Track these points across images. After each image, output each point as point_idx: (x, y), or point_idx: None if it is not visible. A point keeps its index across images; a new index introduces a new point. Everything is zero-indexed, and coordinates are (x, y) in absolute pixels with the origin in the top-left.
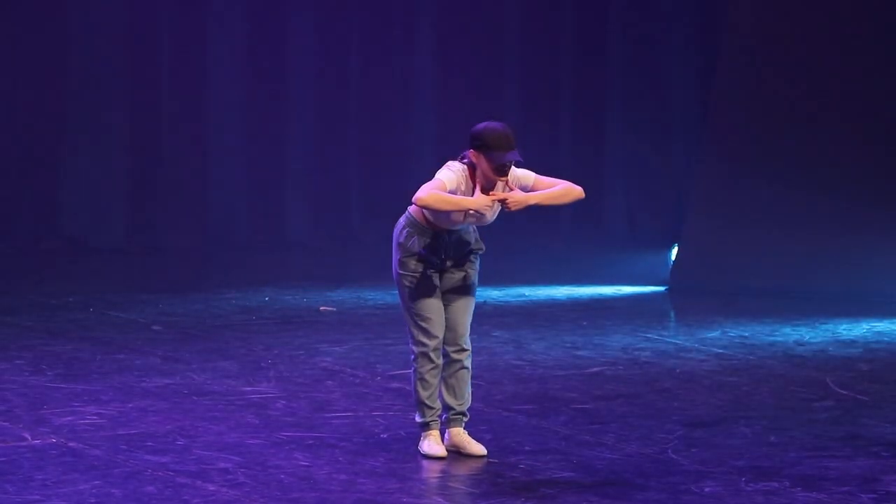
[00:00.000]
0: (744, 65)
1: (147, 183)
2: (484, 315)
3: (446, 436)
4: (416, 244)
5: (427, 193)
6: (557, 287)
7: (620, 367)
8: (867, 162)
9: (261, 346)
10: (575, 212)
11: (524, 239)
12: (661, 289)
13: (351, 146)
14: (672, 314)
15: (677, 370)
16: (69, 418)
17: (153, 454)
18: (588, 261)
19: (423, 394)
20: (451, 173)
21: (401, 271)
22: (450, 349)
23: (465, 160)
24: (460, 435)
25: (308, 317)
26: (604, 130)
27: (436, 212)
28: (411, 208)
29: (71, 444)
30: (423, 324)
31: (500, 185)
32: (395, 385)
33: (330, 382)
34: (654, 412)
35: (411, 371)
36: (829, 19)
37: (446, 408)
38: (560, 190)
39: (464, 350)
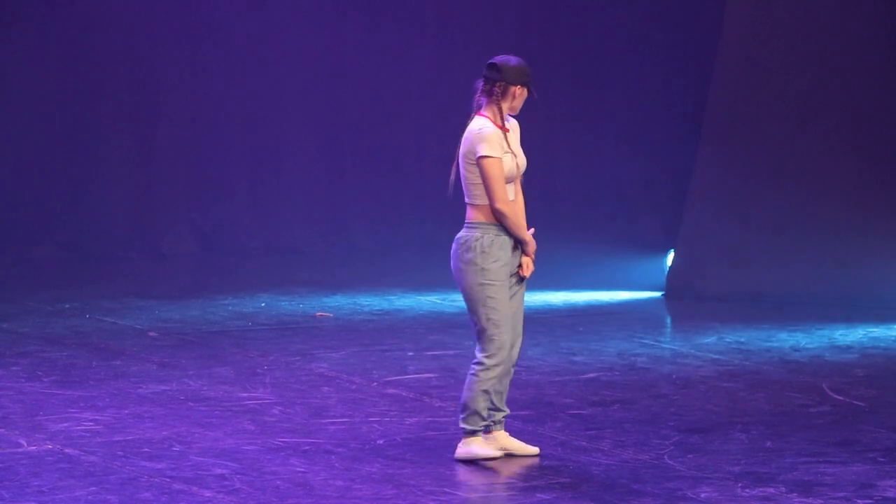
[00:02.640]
0: (740, 69)
1: (144, 188)
2: None
3: (490, 440)
4: (496, 248)
5: (499, 201)
6: (553, 292)
7: (617, 373)
8: (865, 167)
9: (257, 352)
10: (571, 216)
11: None
12: (658, 294)
13: (350, 151)
14: (668, 320)
15: (673, 376)
16: (65, 424)
17: (149, 460)
18: (584, 266)
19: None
20: (493, 136)
21: (484, 281)
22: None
23: (482, 105)
24: (509, 437)
25: (304, 323)
26: (599, 134)
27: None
28: (473, 215)
29: (67, 450)
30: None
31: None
32: (391, 391)
33: (326, 388)
34: (651, 418)
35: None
36: (829, 19)
37: (496, 411)
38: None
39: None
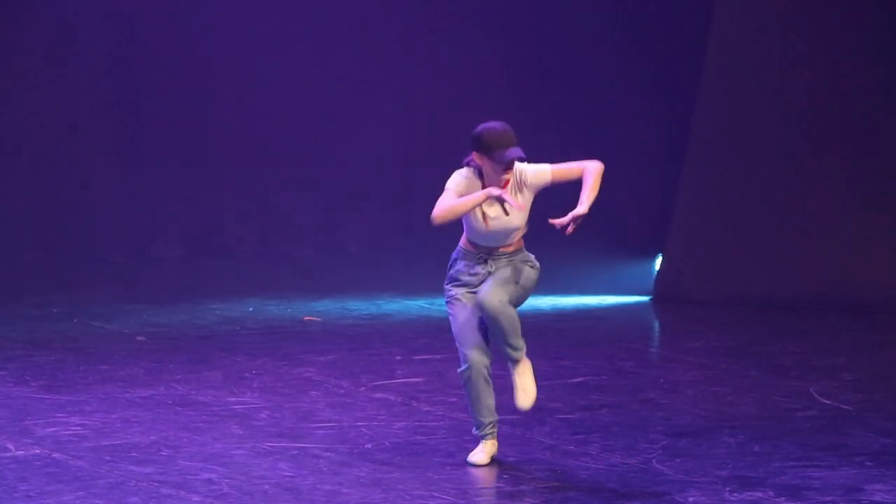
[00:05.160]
0: (728, 74)
1: (132, 191)
2: None
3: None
4: (461, 268)
5: (436, 211)
6: (542, 297)
7: (604, 377)
8: (853, 171)
9: (245, 357)
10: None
11: None
12: (646, 299)
13: (340, 155)
14: (656, 324)
15: (661, 380)
16: (53, 429)
17: (137, 465)
18: (572, 270)
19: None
20: (458, 176)
21: (446, 298)
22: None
23: (472, 164)
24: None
25: (292, 327)
26: (587, 137)
27: (455, 221)
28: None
29: (55, 455)
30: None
31: (510, 182)
32: (379, 395)
33: (314, 392)
34: (638, 422)
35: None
36: (819, 24)
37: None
38: (593, 181)
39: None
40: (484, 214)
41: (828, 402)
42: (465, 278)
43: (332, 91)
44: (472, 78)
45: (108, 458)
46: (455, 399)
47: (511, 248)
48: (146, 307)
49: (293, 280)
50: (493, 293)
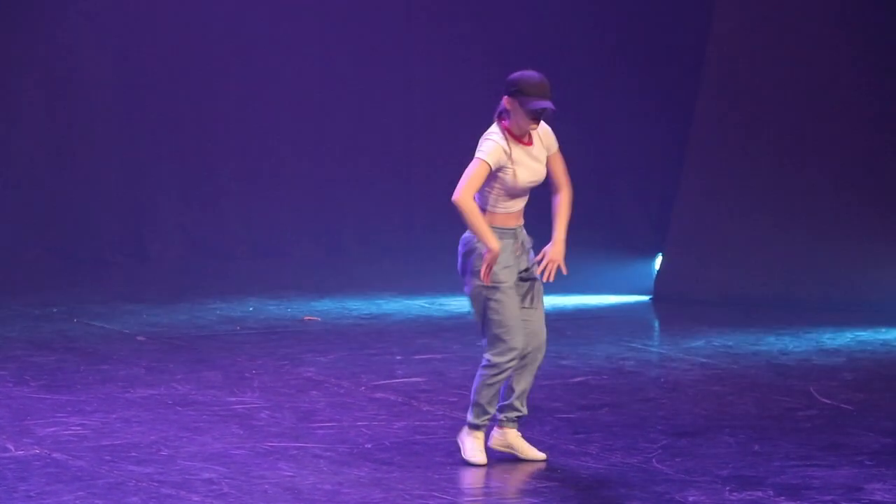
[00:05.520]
0: (728, 75)
1: (132, 191)
2: (468, 325)
3: (498, 436)
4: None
5: (461, 194)
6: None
7: (605, 377)
8: (850, 172)
9: (245, 357)
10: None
11: None
12: (646, 298)
13: (340, 155)
14: (657, 323)
15: (661, 380)
16: (53, 429)
17: (137, 465)
18: (572, 270)
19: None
20: (492, 142)
21: (489, 283)
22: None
23: (503, 115)
24: (519, 438)
25: (292, 327)
26: (588, 137)
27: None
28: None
29: (55, 454)
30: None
31: (533, 135)
32: (379, 395)
33: (314, 392)
34: (639, 421)
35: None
36: (818, 25)
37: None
38: (567, 209)
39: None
40: (514, 171)
41: (828, 401)
42: (511, 262)
43: (332, 90)
44: (470, 76)
45: (108, 457)
46: (455, 399)
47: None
48: (146, 307)
49: (293, 279)
50: (545, 332)
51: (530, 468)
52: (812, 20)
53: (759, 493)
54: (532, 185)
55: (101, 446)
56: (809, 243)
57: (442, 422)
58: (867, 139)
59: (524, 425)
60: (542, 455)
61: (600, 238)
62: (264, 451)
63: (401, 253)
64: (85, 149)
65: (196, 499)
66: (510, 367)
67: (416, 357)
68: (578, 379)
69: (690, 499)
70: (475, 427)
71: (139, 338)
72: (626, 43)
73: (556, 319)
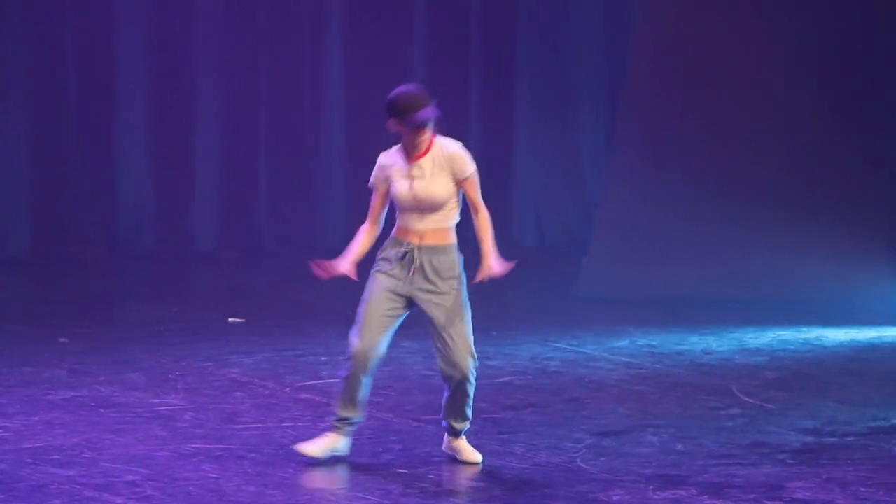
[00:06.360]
0: (652, 67)
1: (52, 191)
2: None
3: (445, 440)
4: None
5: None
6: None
7: (529, 377)
8: (777, 168)
9: (168, 358)
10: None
11: None
12: (570, 298)
13: (259, 152)
14: (580, 324)
15: (586, 379)
16: None
17: (59, 467)
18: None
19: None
20: (377, 166)
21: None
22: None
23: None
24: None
25: (216, 328)
26: (513, 141)
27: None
28: None
29: None
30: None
31: (428, 152)
32: (304, 396)
33: (238, 394)
34: (563, 421)
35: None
36: (743, 15)
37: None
38: (486, 229)
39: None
40: (396, 186)
41: (750, 400)
42: (398, 274)
43: (252, 95)
44: (393, 76)
45: (30, 460)
46: (381, 399)
47: (442, 239)
48: (69, 308)
49: (216, 280)
50: (464, 353)
51: (454, 468)
52: (737, 19)
53: (683, 492)
54: (415, 201)
55: (22, 449)
56: (732, 242)
57: (367, 422)
58: (792, 137)
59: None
60: (478, 458)
61: (525, 238)
62: (188, 453)
63: (326, 254)
64: (2, 147)
65: (119, 501)
66: (350, 363)
67: (342, 358)
68: (503, 379)
69: (615, 498)
70: (331, 426)
71: (62, 339)
72: (549, 40)
73: (482, 319)
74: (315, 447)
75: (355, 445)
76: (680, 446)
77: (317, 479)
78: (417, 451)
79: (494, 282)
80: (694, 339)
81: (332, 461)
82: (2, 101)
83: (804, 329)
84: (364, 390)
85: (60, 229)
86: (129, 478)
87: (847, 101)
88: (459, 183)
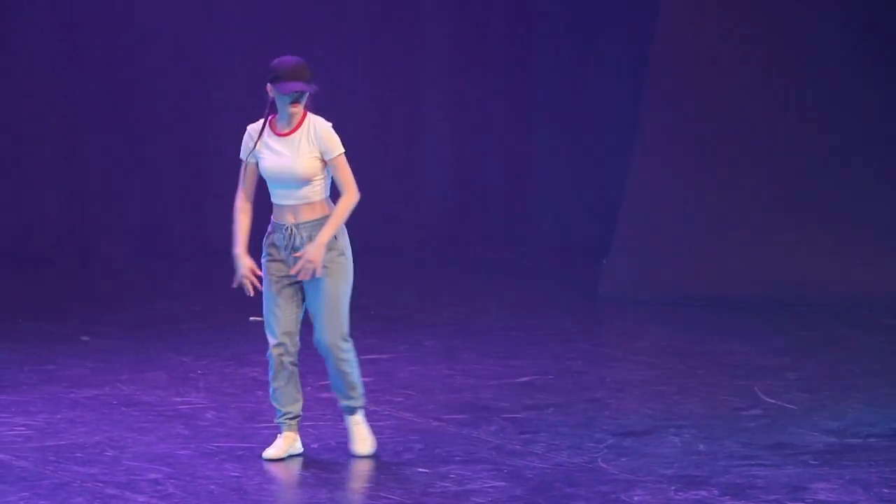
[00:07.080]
0: (676, 72)
1: (76, 191)
2: (415, 325)
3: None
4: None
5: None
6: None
7: (551, 377)
8: (805, 169)
9: (190, 357)
10: (505, 219)
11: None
12: (593, 297)
13: None
14: (603, 323)
15: (608, 379)
16: None
17: (82, 465)
18: (519, 269)
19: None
20: (249, 128)
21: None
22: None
23: (271, 103)
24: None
25: (238, 327)
26: (534, 137)
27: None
28: None
29: None
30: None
31: (301, 130)
32: (325, 395)
33: (260, 392)
34: (585, 421)
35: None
36: (766, 23)
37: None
38: (342, 210)
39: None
40: (262, 159)
41: (773, 401)
42: (278, 256)
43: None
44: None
45: (53, 458)
46: (401, 399)
47: (315, 213)
48: (91, 306)
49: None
50: (329, 331)
51: (475, 467)
52: (763, 19)
53: (704, 493)
54: (280, 175)
55: (45, 447)
56: (756, 243)
57: (388, 422)
58: (812, 141)
59: (472, 424)
60: (366, 449)
61: (548, 237)
62: (210, 452)
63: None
64: (28, 147)
65: (141, 499)
66: (271, 361)
67: (363, 357)
68: (525, 379)
69: (636, 498)
70: (283, 423)
71: (84, 338)
72: (571, 42)
73: (504, 319)
74: (276, 450)
75: (378, 444)
76: (702, 447)
77: (337, 479)
78: (438, 450)
79: (517, 279)
80: (716, 339)
81: (351, 459)
82: (28, 99)
83: (827, 330)
84: (295, 378)
85: (84, 226)
86: (152, 476)
87: (882, 95)
88: (326, 163)
